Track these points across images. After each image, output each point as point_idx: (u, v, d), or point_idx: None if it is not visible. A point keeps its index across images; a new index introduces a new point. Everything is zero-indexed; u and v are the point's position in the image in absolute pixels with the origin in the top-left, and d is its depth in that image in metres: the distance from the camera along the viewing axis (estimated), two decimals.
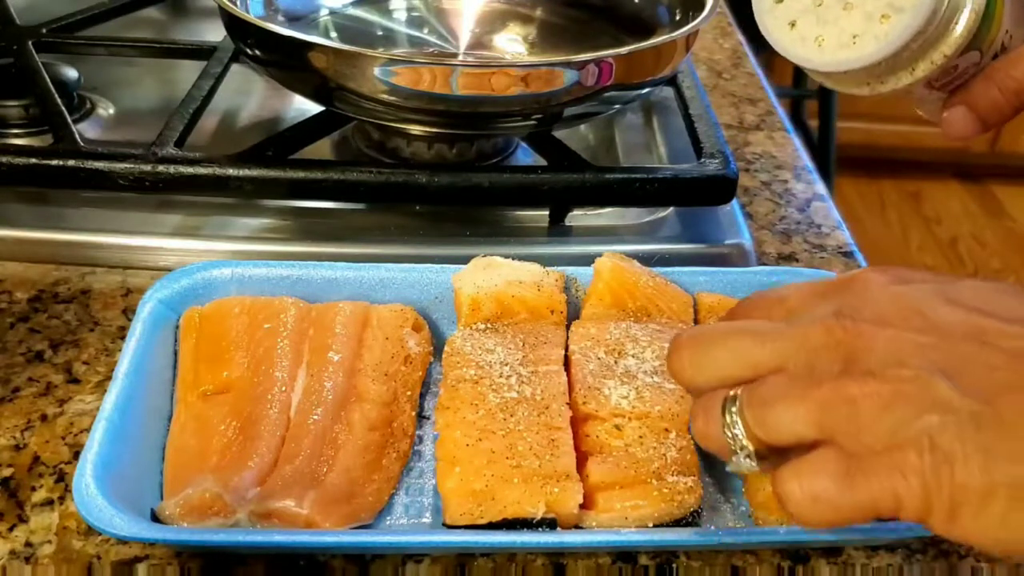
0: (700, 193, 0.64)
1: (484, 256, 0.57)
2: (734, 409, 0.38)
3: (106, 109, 0.80)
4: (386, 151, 0.71)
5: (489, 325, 0.54)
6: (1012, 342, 0.35)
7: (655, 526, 0.46)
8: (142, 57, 0.84)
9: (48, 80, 0.71)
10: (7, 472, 0.49)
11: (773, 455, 0.37)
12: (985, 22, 0.46)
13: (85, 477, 0.44)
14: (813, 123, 2.17)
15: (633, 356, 0.52)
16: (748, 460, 0.38)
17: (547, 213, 0.68)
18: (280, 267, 0.57)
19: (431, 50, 0.80)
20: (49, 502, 0.48)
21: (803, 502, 0.36)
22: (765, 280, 0.59)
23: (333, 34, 0.80)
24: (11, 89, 0.74)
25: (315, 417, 0.50)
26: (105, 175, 0.61)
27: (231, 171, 0.61)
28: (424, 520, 0.48)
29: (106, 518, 0.43)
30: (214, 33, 0.77)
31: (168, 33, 0.96)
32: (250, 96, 0.83)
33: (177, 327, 0.54)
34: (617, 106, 0.70)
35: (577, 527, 0.46)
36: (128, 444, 0.47)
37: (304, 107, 0.77)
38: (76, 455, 0.50)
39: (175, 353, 0.54)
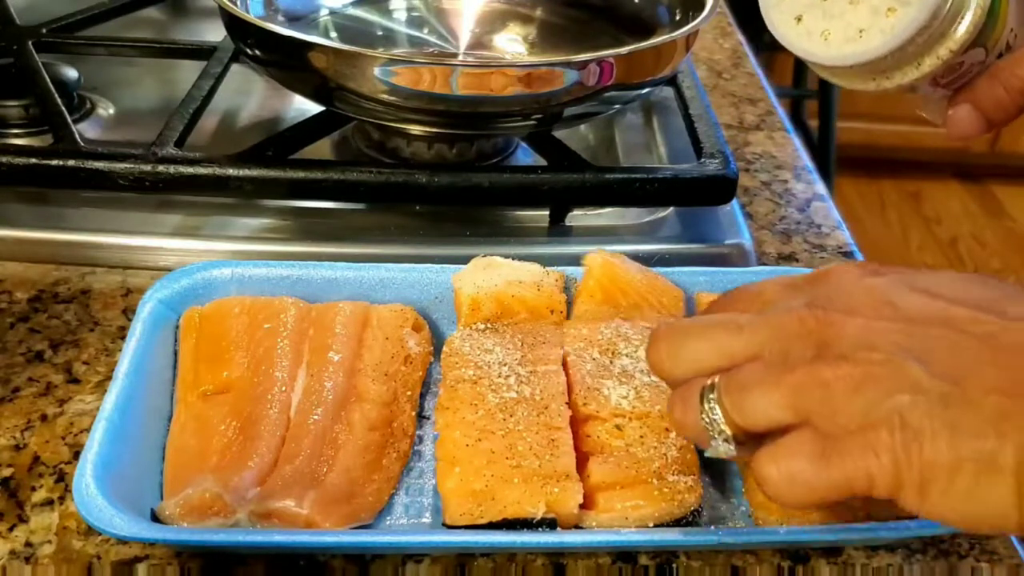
0: (700, 193, 0.64)
1: (484, 256, 0.57)
2: (712, 396, 0.39)
3: (106, 109, 0.80)
4: (386, 151, 0.71)
5: (488, 325, 0.54)
6: (978, 327, 0.36)
7: (655, 526, 0.46)
8: (142, 57, 0.84)
9: (48, 80, 0.71)
10: (7, 472, 0.49)
11: (750, 440, 0.38)
12: (990, 19, 0.46)
13: (85, 477, 0.44)
14: (813, 123, 2.17)
15: (627, 356, 0.52)
16: (726, 445, 0.39)
17: (547, 213, 0.68)
18: (280, 267, 0.57)
19: (431, 50, 0.80)
20: (49, 502, 0.48)
21: (780, 483, 0.37)
22: None
23: (333, 34, 0.80)
24: (11, 89, 0.74)
25: (315, 417, 0.50)
26: (105, 175, 0.61)
27: (231, 171, 0.61)
28: (424, 520, 0.48)
29: (106, 518, 0.43)
30: (214, 33, 0.77)
31: (168, 33, 0.96)
32: (250, 96, 0.83)
33: (177, 327, 0.54)
34: (617, 106, 0.70)
35: (577, 527, 0.46)
36: (128, 444, 0.47)
37: (304, 107, 0.77)
38: (76, 455, 0.50)
39: (175, 353, 0.54)
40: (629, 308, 0.56)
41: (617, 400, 0.50)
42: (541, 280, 0.57)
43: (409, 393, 0.53)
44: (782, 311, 0.39)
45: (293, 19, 0.78)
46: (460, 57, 0.79)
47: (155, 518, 0.45)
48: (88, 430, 0.49)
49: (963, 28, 0.46)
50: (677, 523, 0.46)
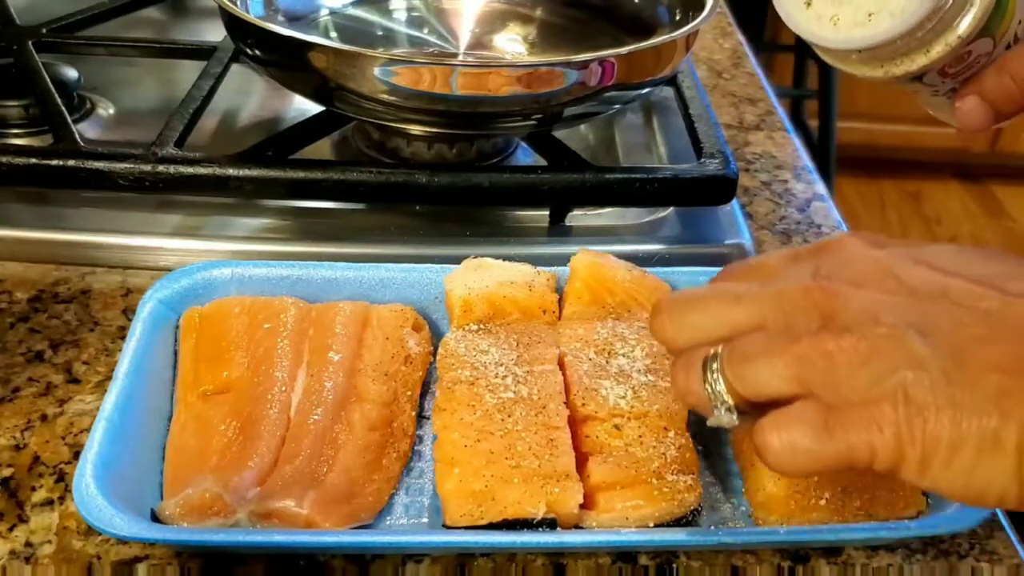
0: (700, 193, 0.64)
1: (475, 257, 0.57)
2: (715, 366, 0.39)
3: (106, 109, 0.80)
4: (386, 151, 0.71)
5: (482, 326, 0.54)
6: (981, 302, 0.36)
7: (655, 526, 0.46)
8: (142, 57, 0.84)
9: (48, 80, 0.71)
10: (7, 472, 0.49)
11: (752, 410, 0.38)
12: (999, 10, 0.47)
13: (85, 477, 0.44)
14: (813, 123, 2.17)
15: (624, 355, 0.52)
16: (729, 415, 0.39)
17: (547, 213, 0.68)
18: (280, 267, 0.57)
19: (431, 50, 0.80)
20: (49, 502, 0.48)
21: (781, 452, 0.37)
22: None
23: (333, 34, 0.80)
24: (11, 89, 0.74)
25: (315, 417, 0.50)
26: (105, 175, 0.61)
27: (231, 171, 0.61)
28: (424, 520, 0.48)
29: (106, 518, 0.43)
30: (214, 33, 0.77)
31: (168, 33, 0.96)
32: (250, 96, 0.83)
33: (177, 327, 0.54)
34: (617, 106, 0.70)
35: (577, 527, 0.46)
36: (128, 444, 0.47)
37: (304, 107, 0.76)
38: (76, 455, 0.50)
39: (175, 353, 0.54)
40: (617, 307, 0.56)
41: (615, 400, 0.50)
42: (532, 280, 0.57)
43: (409, 393, 0.53)
44: (786, 281, 0.39)
45: (293, 19, 0.78)
46: (460, 57, 0.79)
47: (155, 518, 0.45)
48: (88, 430, 0.49)
49: (972, 14, 0.46)
50: (677, 523, 0.46)
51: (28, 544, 0.46)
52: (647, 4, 0.78)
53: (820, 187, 0.78)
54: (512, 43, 0.82)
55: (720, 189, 0.64)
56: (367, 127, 0.72)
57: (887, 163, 2.65)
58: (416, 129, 0.67)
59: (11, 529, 0.46)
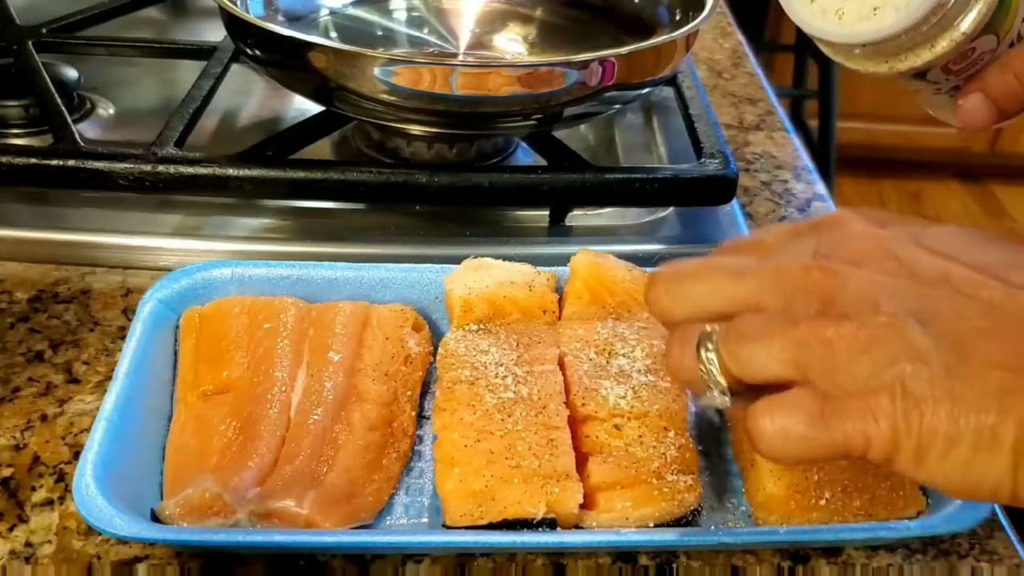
0: (700, 193, 0.64)
1: (475, 257, 0.57)
2: (710, 345, 0.38)
3: (106, 109, 0.80)
4: (386, 151, 0.71)
5: (482, 326, 0.54)
6: (983, 291, 0.36)
7: (655, 526, 0.46)
8: (142, 57, 0.84)
9: (48, 80, 0.71)
10: (7, 472, 0.49)
11: (746, 393, 0.38)
12: (1002, 7, 0.47)
13: (85, 477, 0.44)
14: (813, 123, 2.17)
15: (624, 356, 0.52)
16: (722, 396, 0.38)
17: (547, 213, 0.68)
18: (280, 267, 0.57)
19: (431, 50, 0.80)
20: (49, 502, 0.48)
21: (774, 438, 0.36)
22: None
23: (333, 34, 0.80)
24: (11, 89, 0.74)
25: (315, 417, 0.50)
26: (105, 175, 0.61)
27: (231, 171, 0.61)
28: (424, 520, 0.48)
29: (106, 518, 0.43)
30: (214, 33, 0.77)
31: (168, 33, 0.96)
32: (250, 96, 0.83)
33: (177, 327, 0.54)
34: (617, 106, 0.70)
35: (577, 527, 0.46)
36: (128, 444, 0.47)
37: (304, 107, 0.76)
38: (76, 455, 0.50)
39: (175, 353, 0.54)
40: (617, 307, 0.56)
41: (615, 400, 0.50)
42: (532, 280, 0.57)
43: (409, 393, 0.53)
44: (786, 259, 0.38)
45: (293, 19, 0.78)
46: (460, 57, 0.79)
47: (155, 518, 0.45)
48: (88, 430, 0.49)
49: (976, 10, 0.46)
50: (677, 523, 0.46)
51: (28, 544, 0.46)
52: (647, 4, 0.78)
53: (820, 187, 0.78)
54: (512, 43, 0.82)
55: (720, 189, 0.64)
56: (367, 127, 0.72)
57: (887, 163, 2.65)
58: (416, 129, 0.67)
59: (11, 529, 0.46)
